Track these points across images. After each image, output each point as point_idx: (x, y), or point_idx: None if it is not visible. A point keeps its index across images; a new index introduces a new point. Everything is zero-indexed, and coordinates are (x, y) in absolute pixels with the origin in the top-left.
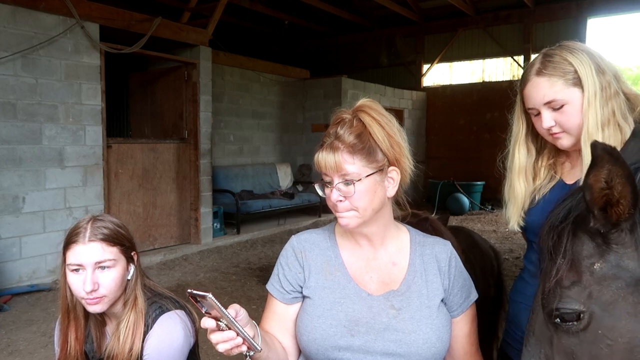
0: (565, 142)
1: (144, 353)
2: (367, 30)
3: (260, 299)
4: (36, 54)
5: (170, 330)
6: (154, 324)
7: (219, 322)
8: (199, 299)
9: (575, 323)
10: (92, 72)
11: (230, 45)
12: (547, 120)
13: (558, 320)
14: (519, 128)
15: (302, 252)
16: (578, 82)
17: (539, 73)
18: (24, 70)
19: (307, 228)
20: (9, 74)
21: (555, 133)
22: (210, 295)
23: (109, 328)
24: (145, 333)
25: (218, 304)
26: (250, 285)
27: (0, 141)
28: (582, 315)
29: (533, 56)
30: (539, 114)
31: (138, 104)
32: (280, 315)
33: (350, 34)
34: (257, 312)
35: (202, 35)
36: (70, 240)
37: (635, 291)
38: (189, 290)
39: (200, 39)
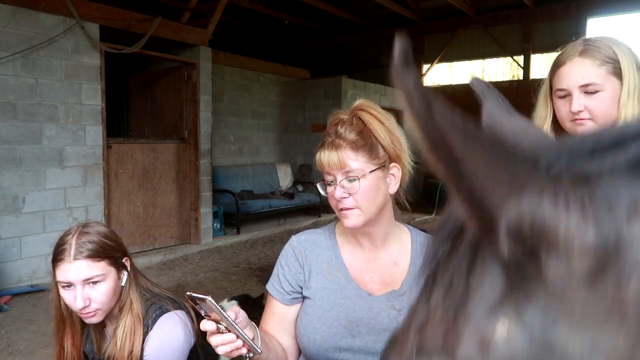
0: (587, 130)
1: (145, 354)
2: (367, 30)
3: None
4: (36, 54)
5: (171, 331)
6: (154, 324)
7: (219, 325)
8: (198, 302)
9: None
10: (92, 72)
11: (230, 45)
12: (577, 103)
13: None
14: (546, 113)
15: (302, 252)
16: (618, 73)
17: (583, 54)
18: (24, 70)
19: (307, 228)
20: (9, 74)
21: (581, 119)
22: (209, 298)
23: (109, 329)
24: (145, 334)
25: (217, 306)
26: (250, 285)
27: (0, 141)
28: None
29: (533, 56)
30: (567, 95)
31: (138, 104)
32: (280, 316)
33: (350, 34)
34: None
35: (202, 35)
36: (56, 257)
37: None
38: (188, 293)
39: (200, 39)
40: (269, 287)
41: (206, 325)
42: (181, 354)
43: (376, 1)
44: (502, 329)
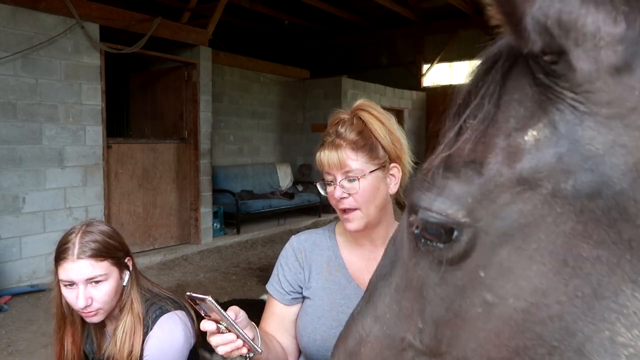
0: None
1: (145, 354)
2: (367, 30)
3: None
4: (36, 54)
5: (171, 331)
6: (154, 325)
7: (219, 325)
8: (198, 302)
9: (440, 245)
10: (92, 72)
11: (230, 45)
12: None
13: (416, 230)
14: None
15: (302, 252)
16: None
17: None
18: (24, 70)
19: (307, 228)
20: (9, 74)
21: None
22: (209, 298)
23: (109, 329)
24: (146, 334)
25: (218, 306)
26: (250, 286)
27: (0, 141)
28: (457, 232)
29: None
30: None
31: (138, 104)
32: (280, 316)
33: (350, 34)
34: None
35: (202, 35)
36: (59, 256)
37: (583, 219)
38: (188, 293)
39: (200, 39)
40: (268, 287)
41: (206, 325)
42: (181, 354)
43: (376, 1)
44: (533, 135)
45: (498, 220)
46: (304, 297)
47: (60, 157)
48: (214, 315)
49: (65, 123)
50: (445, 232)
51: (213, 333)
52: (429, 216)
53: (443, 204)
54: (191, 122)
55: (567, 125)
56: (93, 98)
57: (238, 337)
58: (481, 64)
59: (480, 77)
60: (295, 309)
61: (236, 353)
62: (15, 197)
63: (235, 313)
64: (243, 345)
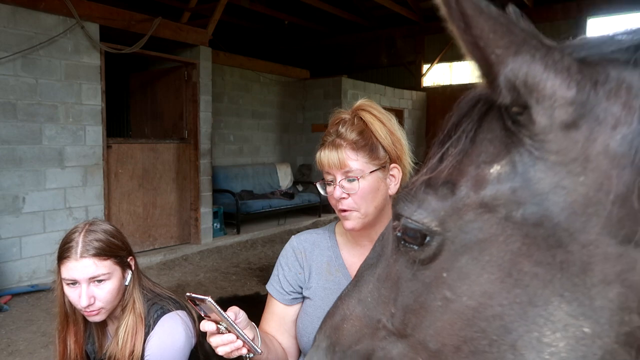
0: None
1: (146, 354)
2: (367, 30)
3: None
4: (36, 54)
5: (172, 331)
6: (155, 324)
7: (219, 325)
8: (197, 302)
9: (415, 247)
10: (92, 72)
11: (230, 45)
12: None
13: (398, 233)
14: None
15: (302, 252)
16: None
17: None
18: (24, 70)
19: (307, 228)
20: (9, 74)
21: None
22: (209, 298)
23: (110, 328)
24: (147, 334)
25: (217, 307)
26: (250, 285)
27: (0, 141)
28: (429, 238)
29: None
30: None
31: (138, 104)
32: (280, 316)
33: (350, 34)
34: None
35: (202, 35)
36: (62, 255)
37: (527, 242)
38: (188, 294)
39: (200, 39)
40: (268, 287)
41: (206, 325)
42: (182, 354)
43: (376, 1)
44: (496, 169)
45: (462, 233)
46: (304, 297)
47: (60, 157)
48: (213, 315)
49: (65, 123)
50: (420, 237)
51: (213, 333)
52: (409, 223)
53: (421, 214)
54: (191, 122)
55: (523, 166)
56: (93, 98)
57: (238, 337)
58: (465, 102)
59: (462, 114)
60: (295, 309)
61: (236, 353)
62: (15, 197)
63: (235, 313)
64: (243, 346)
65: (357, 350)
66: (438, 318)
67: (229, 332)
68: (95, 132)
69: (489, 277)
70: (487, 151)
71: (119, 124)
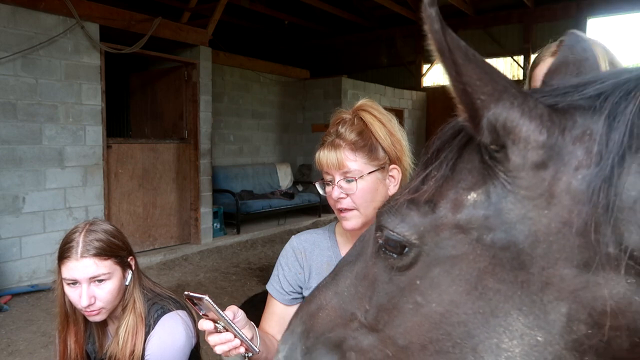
0: None
1: (146, 353)
2: (367, 30)
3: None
4: (36, 54)
5: (172, 331)
6: (155, 324)
7: (217, 324)
8: (195, 301)
9: (395, 255)
10: (92, 72)
11: (230, 45)
12: None
13: (380, 241)
14: None
15: (302, 252)
16: None
17: (554, 54)
18: (24, 70)
19: (307, 228)
20: (9, 74)
21: None
22: (207, 297)
23: (111, 328)
24: (147, 334)
25: (215, 305)
26: (250, 285)
27: (0, 141)
28: (408, 249)
29: (533, 56)
30: None
31: (138, 104)
32: (280, 316)
33: (350, 34)
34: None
35: (202, 35)
36: (63, 254)
37: (493, 262)
38: (186, 293)
39: (200, 39)
40: (269, 287)
41: (204, 324)
42: (182, 353)
43: (376, 1)
44: (473, 197)
45: (438, 248)
46: (304, 297)
47: (60, 157)
48: (211, 314)
49: (65, 123)
50: (400, 247)
51: (211, 332)
52: (391, 235)
53: (403, 227)
54: (191, 122)
55: (497, 197)
56: (93, 98)
57: (235, 336)
58: (447, 130)
59: (445, 141)
60: (295, 309)
61: (234, 352)
62: (15, 197)
63: (233, 312)
64: (241, 345)
65: (330, 337)
66: (408, 319)
67: (227, 331)
68: (95, 132)
69: (457, 289)
70: (466, 179)
71: (119, 124)
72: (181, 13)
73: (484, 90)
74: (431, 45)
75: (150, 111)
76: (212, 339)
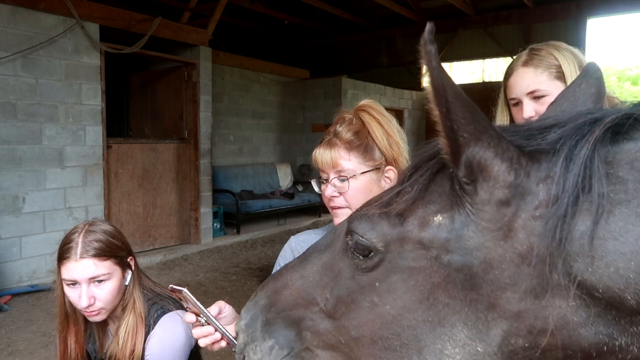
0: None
1: (146, 353)
2: (367, 30)
3: None
4: (36, 54)
5: (172, 331)
6: (155, 324)
7: (199, 318)
8: (177, 295)
9: (361, 257)
10: (92, 72)
11: (230, 45)
12: (528, 109)
13: (350, 242)
14: (503, 120)
15: (300, 252)
16: (561, 77)
17: (526, 64)
18: (24, 70)
19: (307, 228)
20: (9, 74)
21: None
22: (185, 290)
23: (111, 328)
24: (147, 333)
25: (193, 298)
26: (250, 285)
27: (0, 141)
28: (373, 253)
29: None
30: (518, 103)
31: (138, 104)
32: None
33: (350, 34)
34: None
35: (202, 35)
36: (62, 255)
37: (447, 279)
38: (171, 285)
39: (200, 39)
40: None
41: (187, 317)
42: (182, 353)
43: (376, 1)
44: (439, 219)
45: (399, 257)
46: None
47: (60, 157)
48: (192, 307)
49: (65, 123)
50: (367, 251)
51: (195, 325)
52: (360, 239)
53: (372, 234)
54: (191, 122)
55: (460, 224)
56: (93, 98)
57: (216, 330)
58: (427, 149)
59: (423, 160)
60: None
61: (216, 346)
62: (15, 197)
63: (220, 308)
64: (221, 339)
65: (290, 314)
66: (363, 315)
67: (209, 324)
68: (95, 132)
69: (410, 296)
70: (436, 202)
71: (119, 124)
72: (181, 13)
73: (467, 129)
74: (427, 81)
75: (150, 111)
76: (194, 332)
